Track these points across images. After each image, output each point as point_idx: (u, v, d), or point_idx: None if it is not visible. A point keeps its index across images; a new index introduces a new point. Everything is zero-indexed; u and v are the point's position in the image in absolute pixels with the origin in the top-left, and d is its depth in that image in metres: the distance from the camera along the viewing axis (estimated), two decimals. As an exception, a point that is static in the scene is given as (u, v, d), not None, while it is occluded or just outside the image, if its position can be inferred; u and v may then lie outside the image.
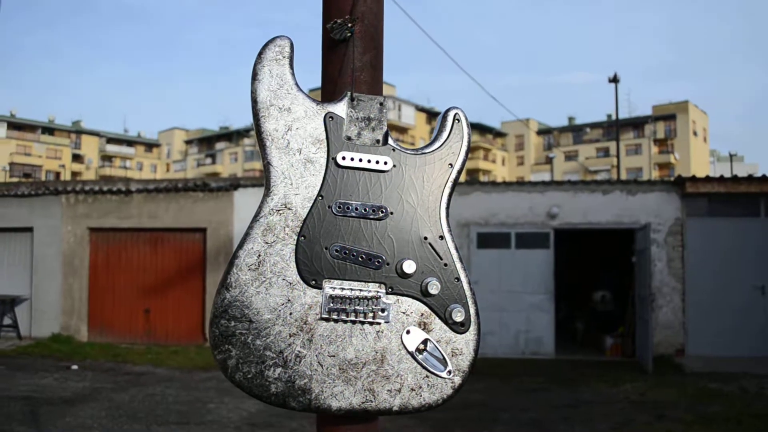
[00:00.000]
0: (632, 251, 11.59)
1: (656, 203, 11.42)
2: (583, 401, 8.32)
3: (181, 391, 8.75)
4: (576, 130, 69.29)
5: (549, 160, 62.32)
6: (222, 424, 7.11)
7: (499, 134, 74.24)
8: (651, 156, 60.54)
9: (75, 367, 10.46)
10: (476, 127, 70.30)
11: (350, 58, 1.23)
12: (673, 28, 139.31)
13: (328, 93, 1.27)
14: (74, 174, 64.15)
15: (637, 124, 62.46)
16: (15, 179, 49.97)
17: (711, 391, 8.52)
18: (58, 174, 62.01)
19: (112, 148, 75.46)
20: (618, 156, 23.40)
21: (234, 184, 12.99)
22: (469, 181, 13.13)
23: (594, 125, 67.51)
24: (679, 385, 8.97)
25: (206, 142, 77.90)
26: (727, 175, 11.72)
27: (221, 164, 72.49)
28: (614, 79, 21.85)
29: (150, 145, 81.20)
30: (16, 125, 64.36)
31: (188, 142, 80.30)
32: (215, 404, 8.07)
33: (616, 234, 12.52)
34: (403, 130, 61.62)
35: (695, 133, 61.36)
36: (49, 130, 67.57)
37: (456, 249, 1.21)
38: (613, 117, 55.98)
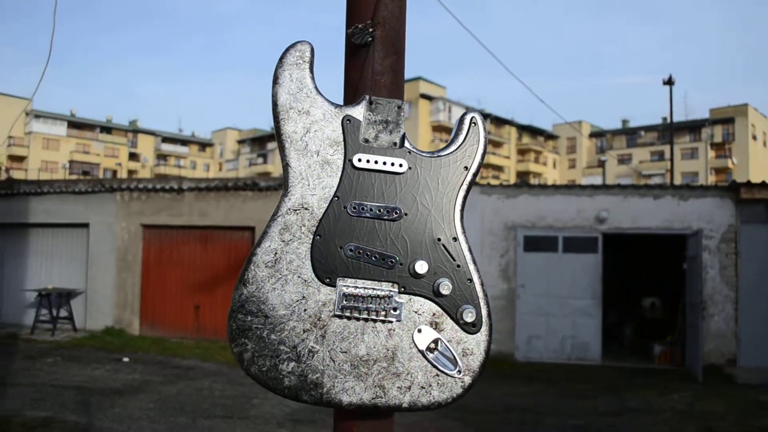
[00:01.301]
0: (683, 258, 11.31)
1: (709, 209, 11.12)
2: (629, 409, 8.17)
3: (228, 386, 8.93)
4: (630, 133, 67.86)
5: (601, 164, 61.17)
6: (265, 420, 7.23)
7: (550, 137, 73.26)
8: (707, 160, 58.85)
9: (126, 359, 10.78)
10: (527, 130, 69.53)
11: (370, 62, 1.26)
12: (732, 29, 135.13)
13: (349, 96, 1.30)
14: (130, 172, 66.00)
15: (693, 127, 60.80)
16: (74, 177, 51.64)
17: (762, 403, 8.26)
18: (115, 172, 63.92)
19: (167, 147, 77.33)
20: (672, 160, 22.85)
21: (282, 183, 13.17)
22: (518, 183, 13.01)
23: (648, 128, 66.01)
24: (728, 396, 8.72)
25: (258, 142, 79.09)
26: None
27: (272, 164, 73.48)
28: (669, 81, 21.36)
29: (203, 145, 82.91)
30: (76, 124, 66.54)
31: (241, 142, 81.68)
32: (260, 400, 8.20)
33: (666, 240, 12.23)
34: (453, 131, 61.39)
35: (754, 137, 59.37)
36: (107, 129, 69.68)
37: (470, 251, 1.23)
38: (669, 120, 54.66)
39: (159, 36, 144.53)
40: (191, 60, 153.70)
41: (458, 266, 1.21)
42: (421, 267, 1.18)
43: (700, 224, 10.95)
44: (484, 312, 1.20)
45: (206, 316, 13.29)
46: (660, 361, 11.63)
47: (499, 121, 66.82)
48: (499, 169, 65.41)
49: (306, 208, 1.18)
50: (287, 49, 1.21)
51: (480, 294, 1.21)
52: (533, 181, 63.79)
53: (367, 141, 1.22)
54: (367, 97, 1.23)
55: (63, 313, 13.29)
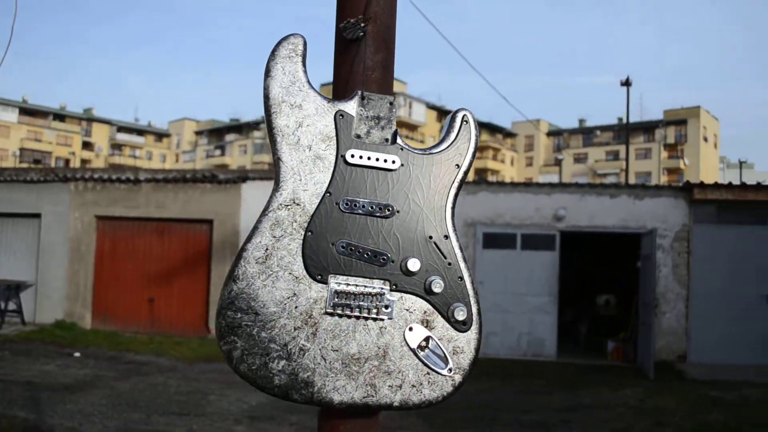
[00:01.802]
0: (638, 256, 11.57)
1: (663, 208, 11.40)
2: (584, 405, 8.33)
3: (183, 382, 8.80)
4: (586, 133, 69.11)
5: (558, 162, 62.17)
6: (222, 416, 7.15)
7: (509, 134, 74.14)
8: (660, 161, 60.33)
9: (77, 354, 10.52)
10: (486, 127, 70.21)
11: (362, 57, 1.24)
12: (689, 33, 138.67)
13: (339, 91, 1.28)
14: (84, 161, 64.45)
15: (647, 128, 62.25)
16: (25, 165, 50.20)
17: (712, 398, 8.51)
18: (67, 161, 62.30)
19: (122, 137, 75.75)
20: (627, 160, 23.32)
21: (242, 176, 13.03)
22: (477, 180, 13.12)
23: (604, 128, 67.32)
24: (679, 391, 8.96)
25: (216, 133, 78.09)
26: (736, 182, 11.67)
27: (230, 156, 72.66)
28: (626, 83, 21.78)
29: (160, 135, 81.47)
30: (27, 111, 64.65)
31: (198, 133, 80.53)
32: (216, 396, 8.11)
33: (622, 238, 12.50)
34: (413, 127, 61.60)
35: (706, 139, 61.11)
36: (60, 116, 67.88)
37: (460, 248, 1.23)
38: (624, 120, 55.81)
39: (117, 23, 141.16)
40: (149, 48, 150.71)
41: (449, 264, 1.21)
42: (414, 265, 1.17)
43: (654, 223, 11.22)
44: (474, 310, 1.20)
45: (161, 310, 13.07)
46: (613, 358, 11.88)
47: (458, 119, 67.24)
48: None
49: (297, 204, 1.16)
50: (280, 42, 1.18)
51: (470, 292, 1.21)
52: (491, 178, 64.42)
53: (359, 136, 1.21)
54: (360, 92, 1.22)
55: (11, 306, 12.90)
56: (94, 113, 72.94)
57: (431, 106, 64.82)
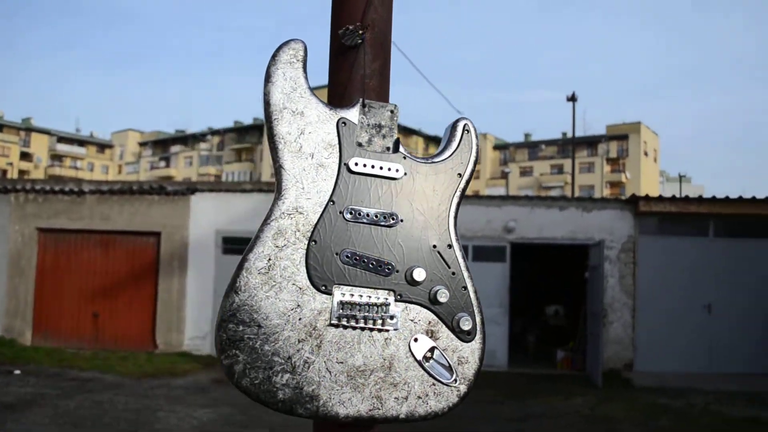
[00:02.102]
0: (586, 267, 11.82)
1: (610, 221, 11.68)
2: (535, 414, 8.43)
3: (131, 399, 8.55)
4: (531, 147, 70.54)
5: (504, 175, 63.22)
6: (173, 433, 6.97)
7: (455, 148, 74.90)
8: (603, 174, 61.98)
9: (17, 372, 10.11)
10: (433, 140, 70.91)
11: (360, 64, 1.23)
12: (630, 51, 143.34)
13: (336, 99, 1.26)
14: (22, 172, 62.34)
15: (591, 142, 63.94)
16: (-43, 175, 48.21)
17: (660, 406, 8.73)
18: (5, 172, 60.12)
19: (62, 148, 73.65)
20: (573, 173, 23.85)
21: (191, 188, 12.81)
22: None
23: (549, 142, 68.83)
24: (628, 399, 9.17)
25: (161, 144, 76.69)
26: (677, 195, 12.06)
27: (175, 168, 71.42)
28: (572, 98, 22.35)
29: (102, 146, 79.54)
30: (-39, 120, 62.25)
31: (142, 144, 78.92)
32: (165, 412, 7.90)
33: (570, 249, 12.75)
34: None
35: (646, 154, 63.12)
36: (-4, 126, 65.59)
37: (463, 258, 1.22)
38: (569, 135, 57.21)
39: (58, 30, 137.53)
40: (91, 57, 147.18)
41: (453, 274, 1.20)
42: (420, 274, 1.16)
43: (602, 235, 11.48)
44: (478, 320, 1.19)
45: (106, 325, 12.68)
46: (562, 367, 12.08)
47: (406, 131, 67.82)
48: (405, 178, 66.22)
49: (300, 213, 1.13)
50: (281, 47, 1.16)
51: (474, 302, 1.20)
52: (438, 191, 64.88)
53: (360, 145, 1.19)
54: (361, 100, 1.20)
55: (-54, 322, 12.33)
56: (32, 123, 70.71)
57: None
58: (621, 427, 7.74)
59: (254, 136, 67.52)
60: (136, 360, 11.38)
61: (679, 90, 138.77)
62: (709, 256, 11.35)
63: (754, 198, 11.47)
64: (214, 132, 71.44)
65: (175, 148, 73.82)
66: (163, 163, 73.88)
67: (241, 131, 70.11)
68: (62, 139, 73.65)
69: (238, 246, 12.34)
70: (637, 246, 11.55)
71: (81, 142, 76.30)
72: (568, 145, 57.88)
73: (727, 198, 11.41)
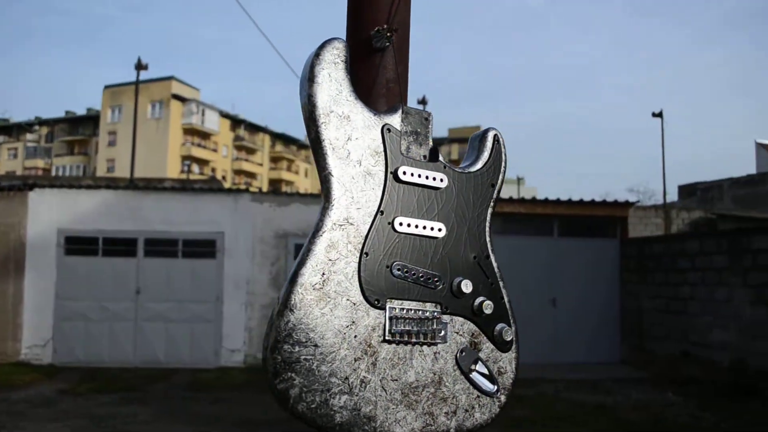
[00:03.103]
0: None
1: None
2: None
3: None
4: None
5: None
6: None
7: (303, 146, 74.76)
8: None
9: None
10: (281, 138, 70.24)
11: (384, 68, 1.18)
12: (469, 58, 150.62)
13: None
14: None
15: (435, 145, 66.25)
16: None
17: (514, 396, 9.22)
18: None
19: None
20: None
21: (29, 183, 11.74)
22: (289, 192, 13.08)
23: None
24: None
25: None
26: (513, 197, 12.84)
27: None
28: (422, 101, 23.08)
29: None
30: None
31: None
32: (8, 430, 7.18)
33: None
34: (206, 135, 59.72)
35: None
36: None
37: (499, 269, 1.22)
38: (412, 137, 58.74)
39: None
40: None
41: (492, 284, 1.19)
42: (467, 286, 1.13)
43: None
44: (514, 329, 1.20)
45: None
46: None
47: (253, 128, 66.61)
48: (252, 176, 65.11)
49: (351, 224, 1.06)
50: (323, 46, 1.08)
51: (509, 312, 1.20)
52: (285, 189, 64.49)
53: (402, 153, 1.14)
54: (402, 106, 1.15)
55: None
56: None
57: (225, 115, 63.33)
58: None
59: (88, 128, 63.10)
60: (-37, 374, 10.24)
61: (511, 96, 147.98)
62: (554, 254, 12.20)
63: (593, 201, 12.51)
64: (42, 122, 65.90)
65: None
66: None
67: (73, 122, 65.25)
68: None
69: (83, 246, 11.48)
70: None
71: None
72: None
73: (569, 200, 12.33)
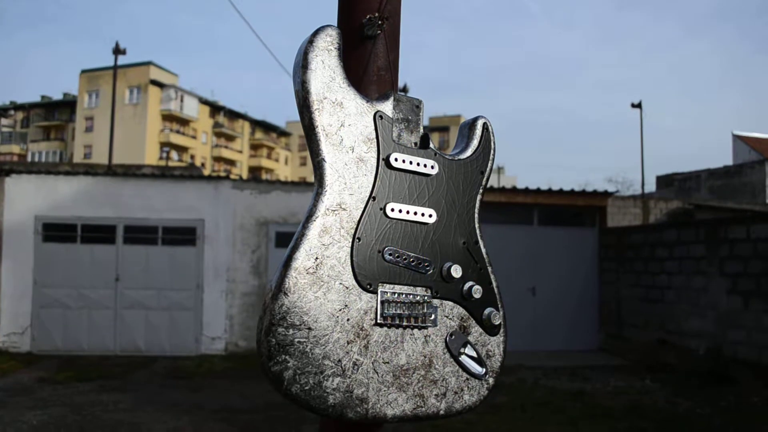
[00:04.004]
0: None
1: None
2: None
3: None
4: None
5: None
6: (2, 440, 6.32)
7: (283, 134, 74.46)
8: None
9: None
10: (261, 125, 69.84)
11: (375, 56, 1.19)
12: (453, 49, 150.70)
13: (350, 91, 1.21)
14: None
15: (414, 133, 66.31)
16: None
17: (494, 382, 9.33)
18: None
19: None
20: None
21: (6, 169, 11.58)
22: (270, 180, 13.01)
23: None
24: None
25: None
26: (494, 186, 12.91)
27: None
28: (404, 89, 23.15)
29: None
30: None
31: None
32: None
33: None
34: (185, 122, 59.23)
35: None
36: None
37: (487, 254, 1.24)
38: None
39: None
40: None
41: (480, 269, 1.21)
42: (456, 271, 1.16)
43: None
44: (502, 313, 1.22)
45: None
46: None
47: (232, 115, 66.17)
48: (231, 163, 64.76)
49: (344, 209, 1.07)
50: (316, 33, 1.09)
51: (498, 296, 1.22)
52: (265, 176, 64.18)
53: (393, 140, 1.16)
54: (393, 93, 1.17)
55: None
56: None
57: (204, 101, 62.83)
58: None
59: (65, 113, 62.27)
60: (-60, 362, 10.13)
61: (495, 87, 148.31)
62: (534, 243, 12.31)
63: (572, 190, 12.62)
64: (17, 107, 64.91)
65: None
66: None
67: (49, 107, 64.35)
68: None
69: (61, 233, 11.37)
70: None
71: None
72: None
73: (550, 190, 12.44)
